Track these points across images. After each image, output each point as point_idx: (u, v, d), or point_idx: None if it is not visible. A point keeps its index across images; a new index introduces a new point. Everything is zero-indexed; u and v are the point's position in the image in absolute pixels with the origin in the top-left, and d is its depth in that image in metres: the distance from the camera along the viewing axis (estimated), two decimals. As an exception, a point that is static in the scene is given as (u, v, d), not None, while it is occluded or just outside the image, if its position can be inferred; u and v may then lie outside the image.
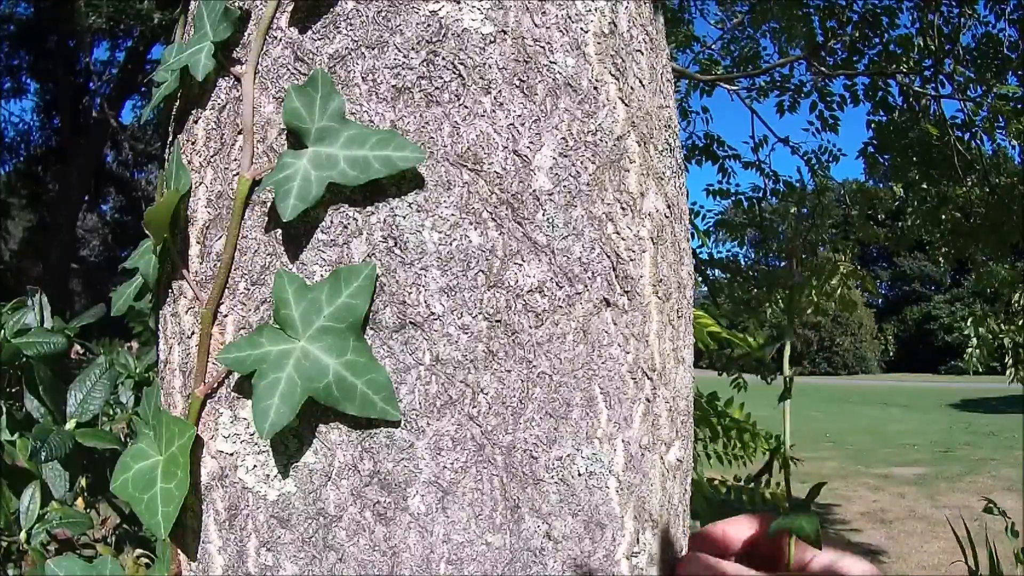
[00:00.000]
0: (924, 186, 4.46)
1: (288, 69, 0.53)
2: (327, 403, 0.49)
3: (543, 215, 0.52)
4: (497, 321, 0.51)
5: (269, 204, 0.53)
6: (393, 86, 0.52)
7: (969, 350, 3.93)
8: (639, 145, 0.56)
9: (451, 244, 0.51)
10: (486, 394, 0.51)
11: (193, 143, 0.58)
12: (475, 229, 0.51)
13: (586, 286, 0.53)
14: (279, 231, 0.53)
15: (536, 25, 0.53)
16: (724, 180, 4.62)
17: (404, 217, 0.51)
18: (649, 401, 0.55)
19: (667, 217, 0.59)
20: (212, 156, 0.56)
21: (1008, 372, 3.96)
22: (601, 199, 0.54)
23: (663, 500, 0.56)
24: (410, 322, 0.51)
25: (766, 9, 4.07)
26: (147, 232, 0.58)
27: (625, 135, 0.55)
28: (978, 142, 4.21)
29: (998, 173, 4.31)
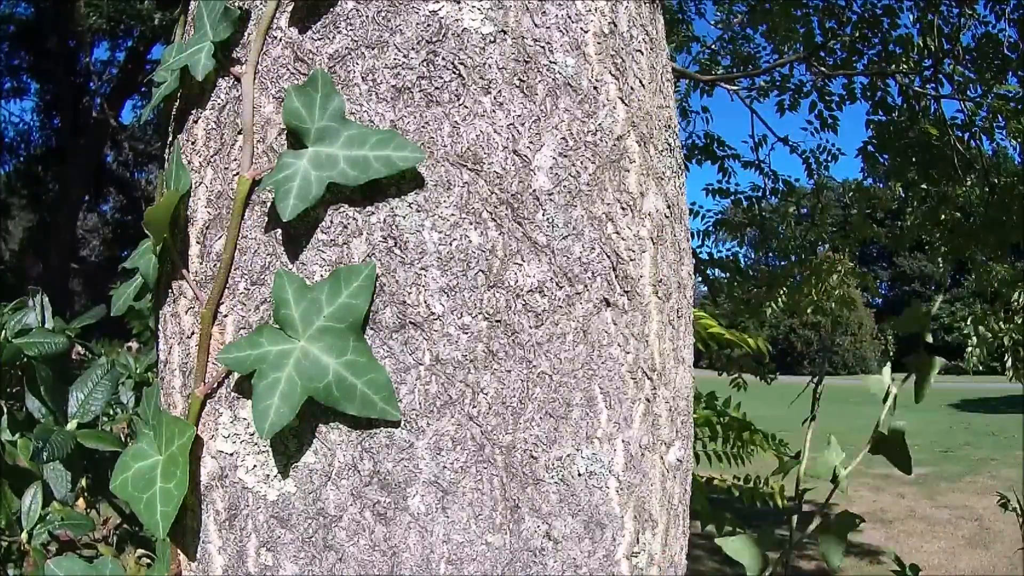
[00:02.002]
0: (924, 186, 4.46)
1: (288, 69, 0.53)
2: (327, 403, 0.49)
3: (543, 215, 0.52)
4: (497, 321, 0.51)
5: (269, 204, 0.53)
6: (393, 86, 0.52)
7: (968, 349, 3.93)
8: (639, 145, 0.56)
9: (451, 244, 0.51)
10: (486, 394, 0.51)
11: (193, 143, 0.58)
12: (475, 229, 0.51)
13: (586, 286, 0.53)
14: (279, 231, 0.53)
15: (536, 25, 0.53)
16: (724, 180, 4.62)
17: (404, 217, 0.51)
18: (649, 401, 0.55)
19: (667, 217, 0.59)
20: (212, 156, 0.56)
21: (1008, 371, 3.96)
22: (601, 199, 0.54)
23: (663, 500, 0.56)
24: (410, 322, 0.51)
25: (765, 10, 4.07)
26: (147, 232, 0.58)
27: (625, 135, 0.55)
28: (977, 142, 4.21)
29: (998, 173, 4.31)
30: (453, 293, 0.51)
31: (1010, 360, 3.93)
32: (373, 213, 0.51)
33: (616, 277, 0.54)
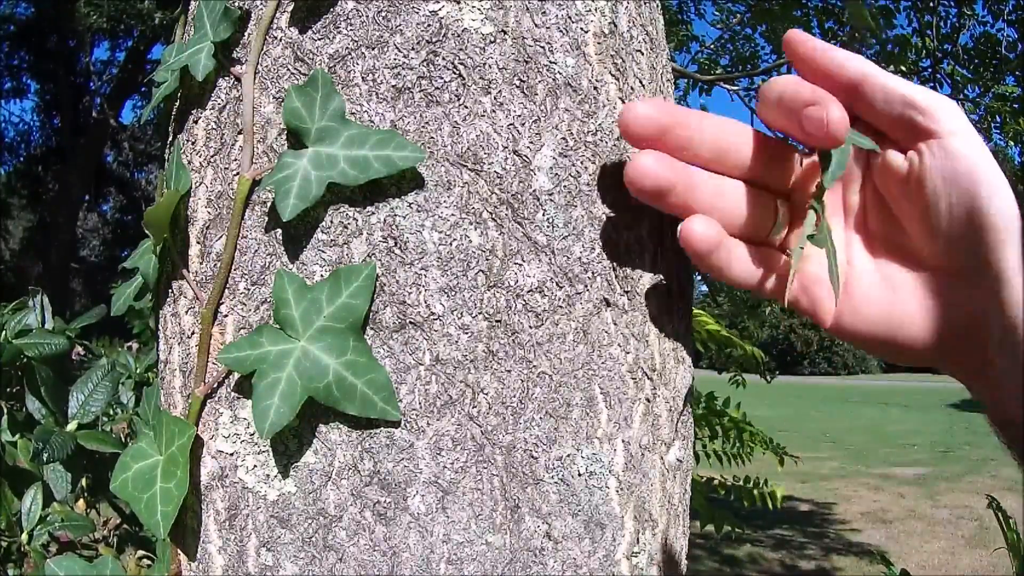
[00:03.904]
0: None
1: (288, 69, 0.53)
2: (327, 403, 0.49)
3: (543, 215, 0.52)
4: (497, 321, 0.51)
5: (269, 204, 0.53)
6: (393, 86, 0.52)
7: None
8: (639, 145, 0.56)
9: (451, 244, 0.51)
10: (486, 394, 0.51)
11: (193, 143, 0.58)
12: (475, 229, 0.51)
13: (586, 286, 0.53)
14: (279, 231, 0.53)
15: (536, 25, 0.53)
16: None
17: (404, 217, 0.51)
18: (649, 401, 0.55)
19: (667, 217, 0.59)
20: (212, 156, 0.56)
21: None
22: (601, 199, 0.54)
23: (663, 500, 0.56)
24: (410, 322, 0.51)
25: (765, 10, 4.07)
26: (147, 232, 0.58)
27: (625, 135, 0.55)
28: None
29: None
30: (453, 293, 0.51)
31: None
32: (373, 213, 0.51)
33: (616, 277, 0.54)
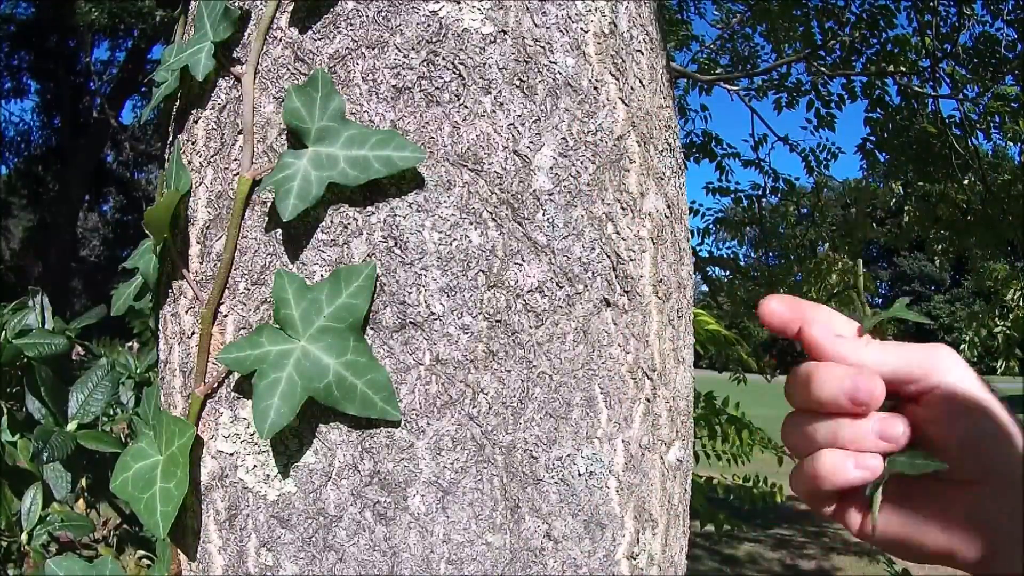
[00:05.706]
0: (920, 183, 4.47)
1: (288, 69, 0.53)
2: (327, 403, 0.49)
3: (543, 215, 0.52)
4: (497, 321, 0.51)
5: (269, 204, 0.53)
6: (393, 86, 0.52)
7: (962, 346, 3.97)
8: (639, 145, 0.56)
9: (451, 244, 0.51)
10: (486, 394, 0.51)
11: (193, 143, 0.58)
12: (475, 229, 0.51)
13: (586, 286, 0.53)
14: (279, 231, 0.53)
15: (536, 25, 0.53)
16: (723, 178, 4.63)
17: (404, 217, 0.51)
18: (649, 401, 0.55)
19: (667, 217, 0.59)
20: (212, 156, 0.56)
21: (1000, 363, 4.01)
22: (601, 199, 0.54)
23: (663, 500, 0.56)
24: (410, 322, 0.51)
25: (765, 9, 4.07)
26: (147, 232, 0.58)
27: (625, 135, 0.56)
28: (975, 141, 4.21)
29: (995, 171, 4.32)
30: (453, 293, 0.51)
31: (1002, 359, 3.96)
32: (373, 213, 0.51)
33: (616, 277, 0.54)
